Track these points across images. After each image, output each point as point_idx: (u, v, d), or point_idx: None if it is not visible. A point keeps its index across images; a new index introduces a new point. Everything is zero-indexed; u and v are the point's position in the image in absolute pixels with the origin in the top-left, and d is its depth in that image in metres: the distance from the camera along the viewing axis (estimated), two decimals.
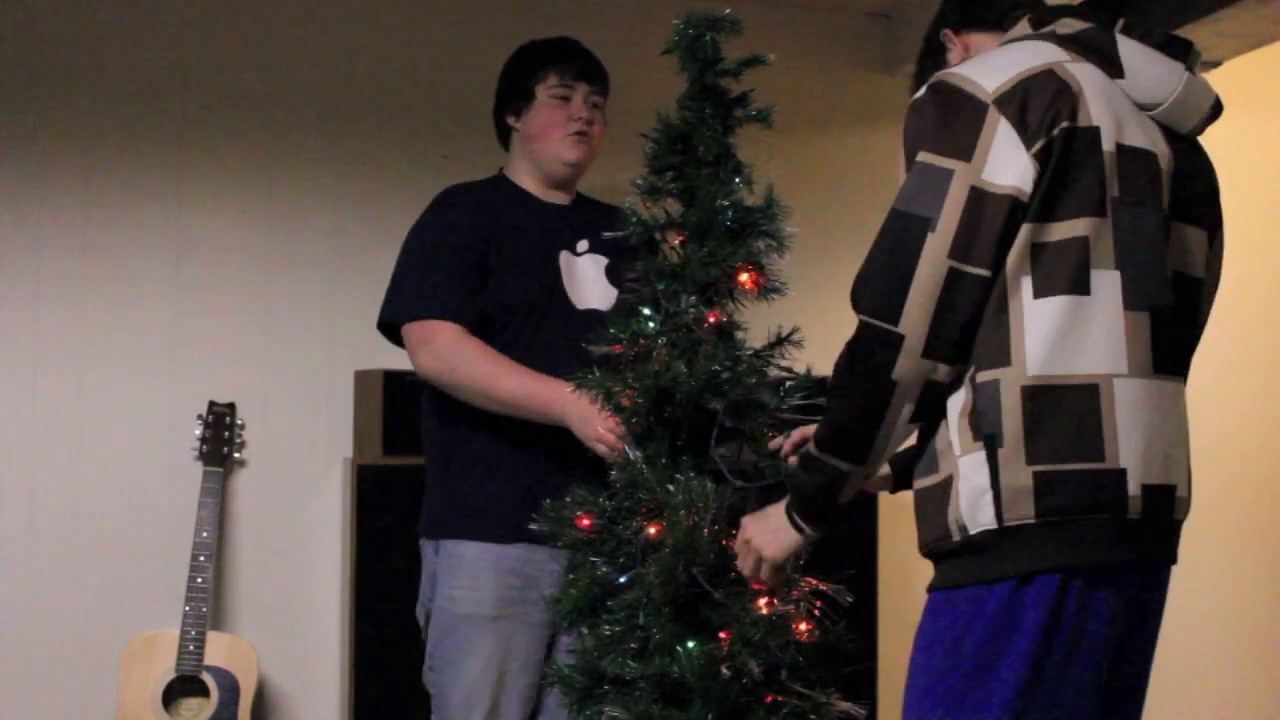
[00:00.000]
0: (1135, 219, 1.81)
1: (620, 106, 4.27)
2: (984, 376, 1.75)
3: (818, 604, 2.14)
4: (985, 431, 1.73)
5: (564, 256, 2.87)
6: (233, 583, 4.06)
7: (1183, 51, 1.98)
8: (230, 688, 3.74)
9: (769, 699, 2.11)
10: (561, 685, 2.23)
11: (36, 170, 3.99)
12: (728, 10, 2.18)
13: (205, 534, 3.82)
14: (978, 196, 1.73)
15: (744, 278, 2.13)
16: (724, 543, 2.10)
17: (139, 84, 4.08)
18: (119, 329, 4.02)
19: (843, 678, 2.32)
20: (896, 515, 4.41)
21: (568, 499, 2.28)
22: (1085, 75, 1.84)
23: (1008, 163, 1.74)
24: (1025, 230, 1.75)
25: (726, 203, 2.13)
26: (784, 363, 2.26)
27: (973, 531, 1.72)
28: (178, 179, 4.10)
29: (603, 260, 2.82)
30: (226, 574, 4.05)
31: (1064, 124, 1.77)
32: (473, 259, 2.82)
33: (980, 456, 1.73)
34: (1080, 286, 1.75)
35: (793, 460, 2.10)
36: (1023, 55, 1.84)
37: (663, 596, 2.06)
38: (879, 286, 1.76)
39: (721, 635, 2.07)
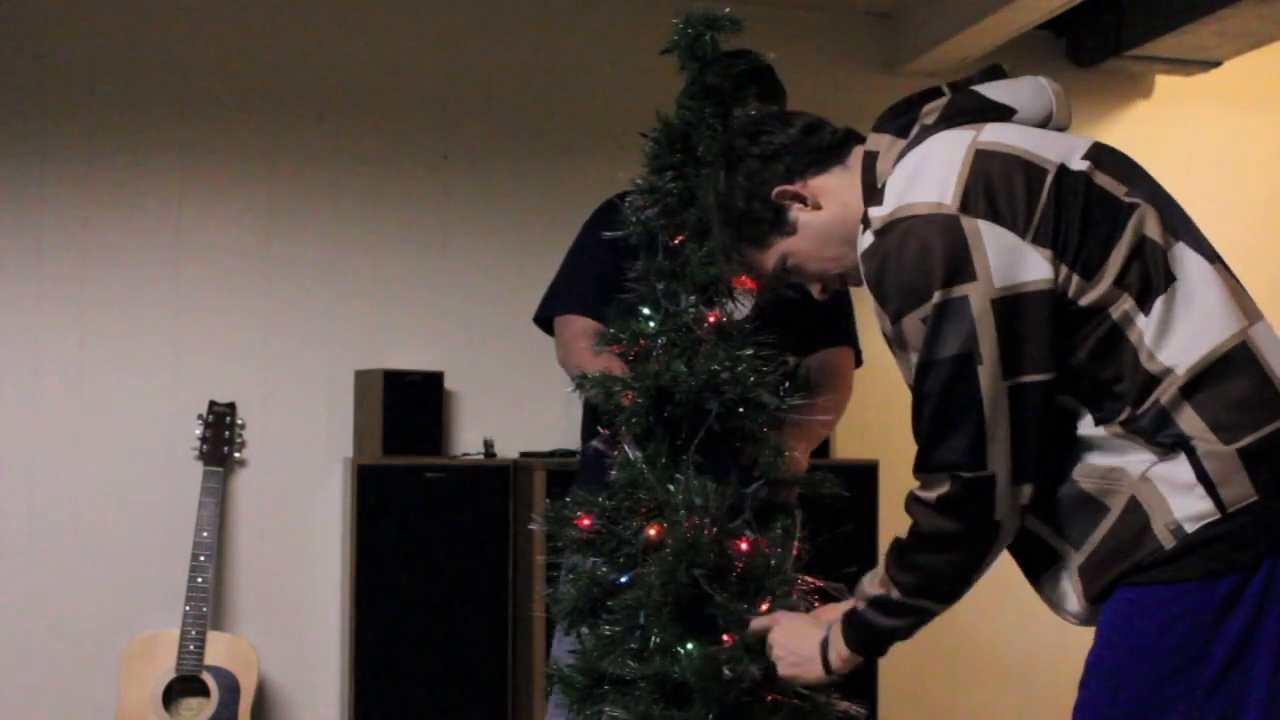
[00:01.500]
0: (1152, 196, 1.81)
1: (620, 106, 4.28)
2: (1144, 409, 1.70)
3: (817, 603, 2.14)
4: (1169, 441, 1.69)
5: None
6: (233, 583, 4.06)
7: (1004, 71, 1.98)
8: (230, 687, 3.74)
9: (769, 699, 2.11)
10: (561, 685, 2.22)
11: (36, 170, 3.99)
12: (727, 9, 2.18)
13: (205, 534, 3.82)
14: (1005, 306, 1.69)
15: (744, 278, 2.13)
16: (724, 543, 2.10)
17: (139, 84, 4.08)
18: (119, 329, 4.02)
19: (843, 677, 2.32)
20: (896, 515, 4.41)
21: (567, 499, 2.28)
22: (1000, 134, 1.79)
23: (1015, 260, 1.69)
24: (1096, 283, 1.71)
25: None
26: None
27: (1191, 529, 1.67)
28: (178, 179, 4.10)
29: None
30: (226, 574, 4.05)
31: (1040, 192, 1.72)
32: (613, 263, 2.79)
33: (1176, 461, 1.69)
34: (1169, 277, 1.73)
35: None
36: (939, 155, 1.78)
37: (663, 597, 2.06)
38: (952, 438, 1.73)
39: (725, 638, 2.07)
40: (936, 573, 1.82)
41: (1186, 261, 1.75)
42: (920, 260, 1.72)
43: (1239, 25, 4.33)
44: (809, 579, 2.17)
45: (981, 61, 4.60)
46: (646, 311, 2.18)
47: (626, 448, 2.18)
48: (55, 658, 3.91)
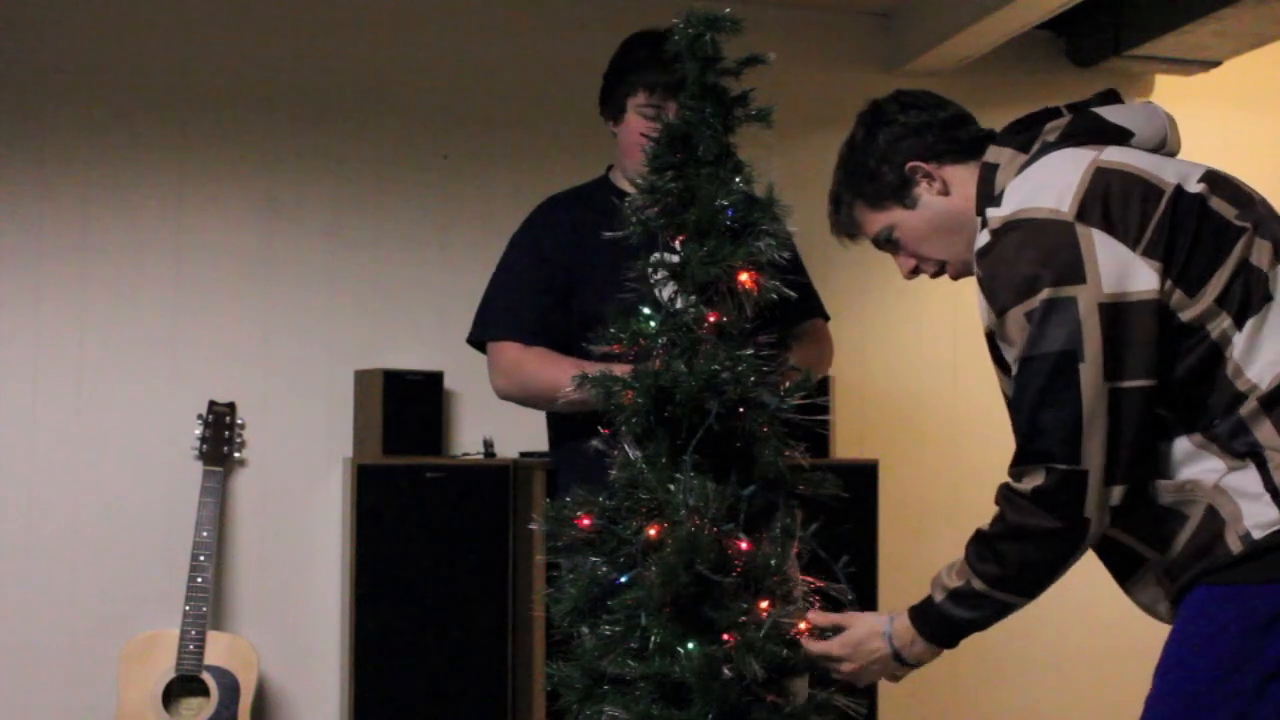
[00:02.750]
0: (1263, 221, 1.85)
1: None
2: (1227, 421, 1.75)
3: (817, 602, 2.14)
4: (1242, 450, 1.74)
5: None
6: (233, 582, 4.06)
7: (1120, 96, 2.05)
8: (230, 687, 3.74)
9: (769, 699, 2.11)
10: (561, 685, 2.22)
11: (36, 170, 3.99)
12: (728, 10, 2.18)
13: (205, 533, 3.82)
14: (1112, 311, 1.74)
15: (744, 277, 2.13)
16: (724, 543, 2.10)
17: (139, 84, 4.08)
18: (119, 329, 4.02)
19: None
20: (897, 515, 4.42)
21: (567, 498, 2.28)
22: (1121, 154, 1.87)
23: (1125, 270, 1.75)
24: (1198, 300, 1.77)
25: (726, 202, 2.13)
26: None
27: (1258, 536, 1.72)
28: (178, 179, 4.10)
29: None
30: (226, 574, 4.05)
31: (1154, 210, 1.78)
32: (553, 276, 2.81)
33: (1245, 471, 1.74)
34: (1266, 297, 1.78)
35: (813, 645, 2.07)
36: (1060, 167, 1.85)
37: (664, 597, 2.06)
38: (1051, 431, 1.77)
39: (726, 638, 2.07)
40: (1023, 564, 1.85)
41: None
42: (1032, 258, 1.78)
43: (1239, 25, 4.34)
44: (809, 578, 2.17)
45: (981, 61, 4.60)
46: (646, 311, 2.18)
47: (626, 448, 2.18)
48: (55, 658, 3.91)
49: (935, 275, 2.12)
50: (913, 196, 2.04)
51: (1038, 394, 1.78)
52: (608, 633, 2.13)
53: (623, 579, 2.14)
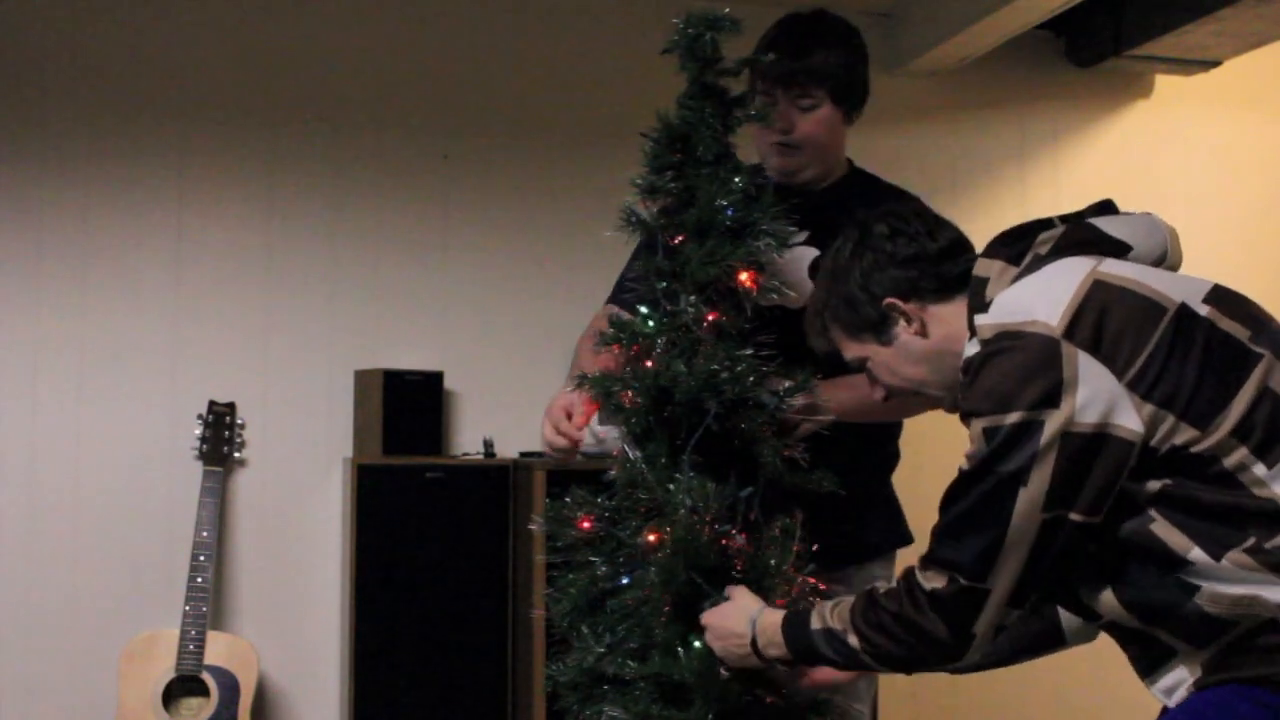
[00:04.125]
0: (1276, 342, 1.76)
1: (620, 106, 4.28)
2: (1275, 542, 1.67)
3: (817, 603, 2.14)
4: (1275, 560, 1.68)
5: None
6: (233, 582, 4.06)
7: (1115, 205, 1.95)
8: (230, 687, 3.74)
9: (769, 699, 2.11)
10: (561, 686, 2.22)
11: (37, 170, 3.99)
12: (727, 10, 2.17)
13: (205, 534, 3.82)
14: (1079, 441, 1.67)
15: (744, 277, 2.13)
16: (724, 543, 2.10)
17: (139, 84, 4.08)
18: (119, 329, 4.02)
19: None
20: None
21: (567, 499, 2.28)
22: (1121, 267, 1.78)
23: (1106, 403, 1.67)
24: (1211, 432, 1.68)
25: (726, 202, 2.13)
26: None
27: None
28: (178, 180, 4.10)
29: (810, 252, 2.57)
30: (226, 574, 4.05)
31: (1152, 334, 1.69)
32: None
33: None
34: None
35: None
36: (1056, 277, 1.76)
37: (663, 596, 2.06)
38: (968, 547, 1.73)
39: None
40: (899, 650, 1.83)
41: None
42: (1012, 377, 1.70)
43: (1239, 25, 4.34)
44: (809, 578, 2.17)
45: (981, 61, 4.60)
46: (645, 311, 2.18)
47: (626, 448, 2.18)
48: (55, 658, 3.91)
49: (906, 399, 2.05)
50: (890, 334, 1.94)
51: (968, 508, 1.74)
52: (608, 635, 2.13)
53: (624, 581, 2.14)
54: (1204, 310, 1.75)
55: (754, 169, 2.51)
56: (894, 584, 1.84)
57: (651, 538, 2.10)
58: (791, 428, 2.22)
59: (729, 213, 2.13)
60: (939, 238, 1.94)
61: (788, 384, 2.17)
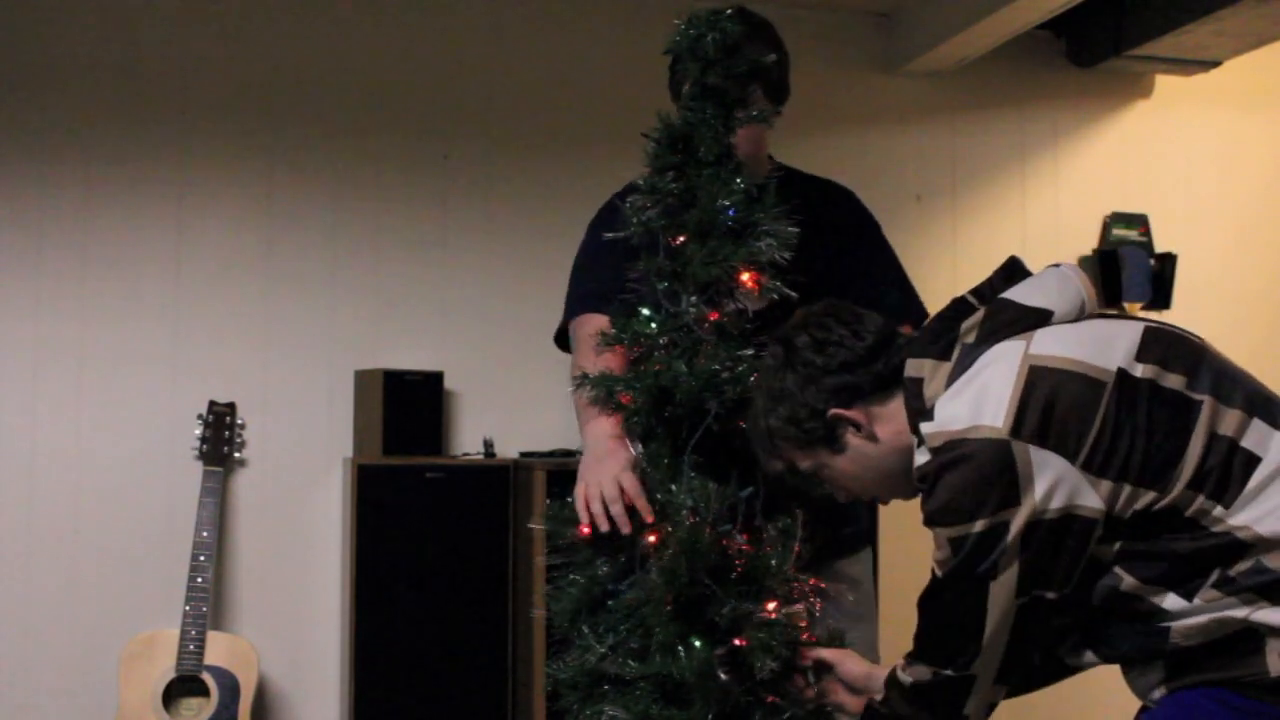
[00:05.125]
0: (1218, 381, 1.77)
1: (621, 106, 4.28)
2: (1238, 569, 1.70)
3: (818, 605, 2.14)
4: (1274, 594, 1.70)
5: None
6: (233, 583, 4.06)
7: (1022, 264, 1.94)
8: (230, 687, 3.74)
9: (770, 700, 2.11)
10: (561, 686, 2.22)
11: (37, 171, 3.99)
12: (728, 10, 2.17)
13: (205, 533, 3.82)
14: (1045, 529, 1.71)
15: (745, 277, 2.12)
16: (725, 543, 2.10)
17: (139, 84, 4.08)
18: (119, 329, 4.02)
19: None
20: (895, 514, 4.41)
21: (568, 499, 2.28)
22: (1051, 344, 1.78)
23: (1066, 487, 1.70)
24: (1168, 490, 1.71)
25: (728, 202, 2.13)
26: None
27: None
28: (178, 180, 4.10)
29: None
30: (226, 574, 4.05)
31: (1094, 414, 1.71)
32: (619, 264, 2.71)
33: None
34: (1252, 461, 1.72)
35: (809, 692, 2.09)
36: (992, 374, 1.77)
37: (664, 596, 2.06)
38: (948, 645, 1.78)
39: (738, 642, 2.06)
40: None
41: (1271, 440, 1.74)
42: (970, 488, 1.73)
43: (1239, 25, 4.34)
44: (810, 579, 2.17)
45: (981, 61, 4.60)
46: (646, 311, 2.18)
47: (630, 448, 2.18)
48: (55, 658, 3.91)
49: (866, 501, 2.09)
50: (842, 443, 1.93)
51: (945, 611, 1.78)
52: (609, 636, 2.13)
53: (624, 585, 2.14)
54: (1139, 370, 1.75)
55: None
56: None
57: (652, 538, 2.10)
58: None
59: (730, 213, 2.13)
60: (864, 335, 1.91)
61: None
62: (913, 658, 1.84)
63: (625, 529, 2.13)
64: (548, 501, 2.37)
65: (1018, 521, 1.70)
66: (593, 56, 4.49)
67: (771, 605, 2.07)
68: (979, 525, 1.72)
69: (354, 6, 4.28)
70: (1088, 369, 1.74)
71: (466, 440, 4.25)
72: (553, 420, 4.27)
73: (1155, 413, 1.73)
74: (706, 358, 2.11)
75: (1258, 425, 1.74)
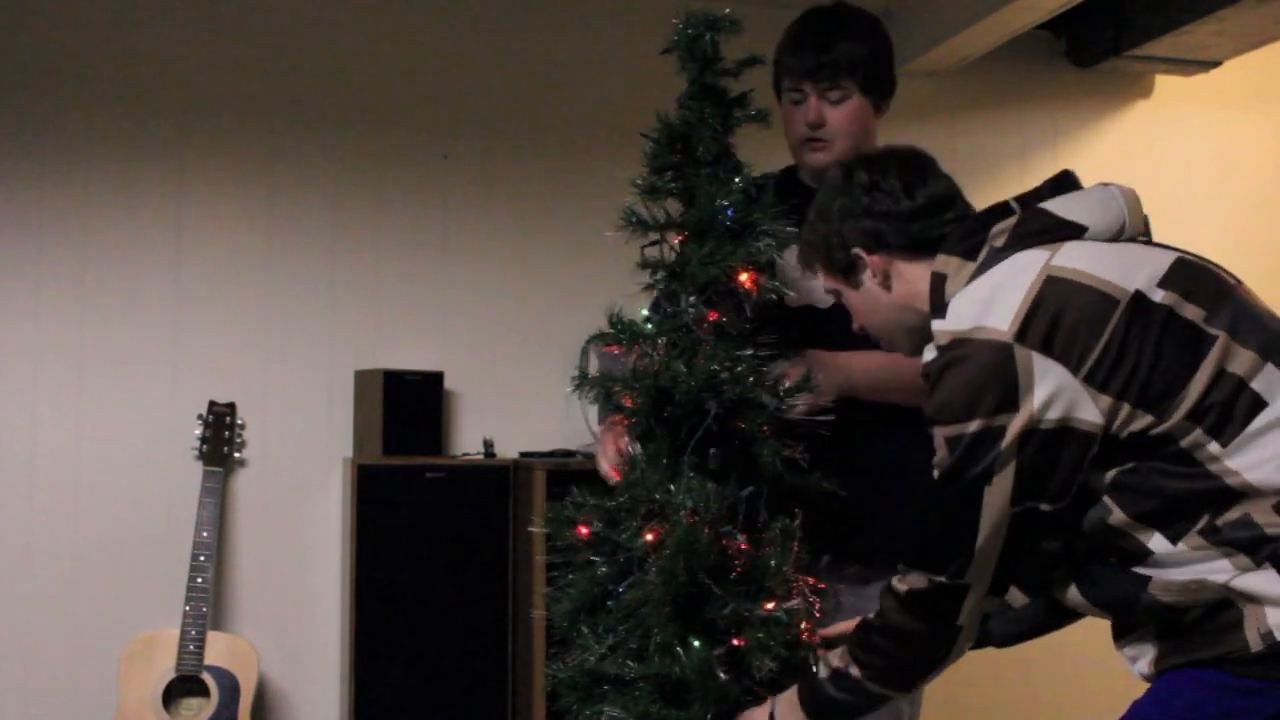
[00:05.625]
0: (1237, 319, 1.76)
1: (620, 106, 4.28)
2: (1226, 519, 1.70)
3: (818, 604, 2.14)
4: (1264, 555, 1.68)
5: (794, 251, 2.63)
6: (233, 583, 4.06)
7: (1075, 178, 1.94)
8: (230, 687, 3.74)
9: (770, 700, 2.11)
10: (561, 686, 2.22)
11: (37, 171, 3.99)
12: (727, 10, 2.17)
13: (205, 534, 3.82)
14: (1042, 437, 1.71)
15: (744, 278, 2.12)
16: (724, 543, 2.10)
17: (139, 85, 4.08)
18: (119, 329, 4.02)
19: None
20: None
21: (568, 500, 2.28)
22: (1075, 257, 1.78)
23: (1065, 398, 1.70)
24: (1166, 417, 1.70)
25: (726, 202, 2.13)
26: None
27: None
28: (178, 180, 4.10)
29: None
30: (226, 574, 4.05)
31: (1104, 328, 1.70)
32: None
33: (1264, 573, 1.68)
34: (1258, 404, 1.71)
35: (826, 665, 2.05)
36: (1008, 279, 1.78)
37: (664, 596, 2.06)
38: (941, 550, 1.78)
39: (736, 642, 2.06)
40: (894, 661, 1.87)
41: (1275, 389, 1.72)
42: (968, 387, 1.74)
43: (1239, 25, 4.34)
44: (809, 579, 2.17)
45: (981, 61, 4.60)
46: (645, 312, 2.18)
47: (629, 447, 2.18)
48: (55, 658, 3.91)
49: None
50: (858, 279, 2.00)
51: (939, 514, 1.79)
52: (609, 636, 2.13)
53: (623, 588, 2.14)
54: (1159, 296, 1.75)
55: (776, 177, 2.50)
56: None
57: (650, 537, 2.10)
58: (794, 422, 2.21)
59: (729, 213, 2.13)
60: (917, 196, 1.96)
61: (788, 384, 2.17)
62: (907, 566, 1.83)
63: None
64: (548, 502, 2.37)
65: (1014, 427, 1.71)
66: (592, 56, 4.49)
67: (770, 605, 2.07)
68: (974, 425, 1.73)
69: (354, 6, 4.28)
70: (1105, 285, 1.74)
71: (466, 440, 4.25)
72: (553, 420, 4.28)
73: (1166, 339, 1.72)
74: (706, 358, 2.11)
75: (1271, 371, 1.72)
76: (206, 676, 3.73)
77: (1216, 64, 4.81)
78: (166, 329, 4.07)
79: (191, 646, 3.72)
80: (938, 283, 1.89)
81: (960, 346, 1.76)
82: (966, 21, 4.26)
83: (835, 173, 2.05)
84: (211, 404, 3.99)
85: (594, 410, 4.19)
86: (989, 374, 1.72)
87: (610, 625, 2.15)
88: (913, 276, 1.95)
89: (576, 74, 4.47)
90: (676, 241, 2.18)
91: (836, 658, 1.94)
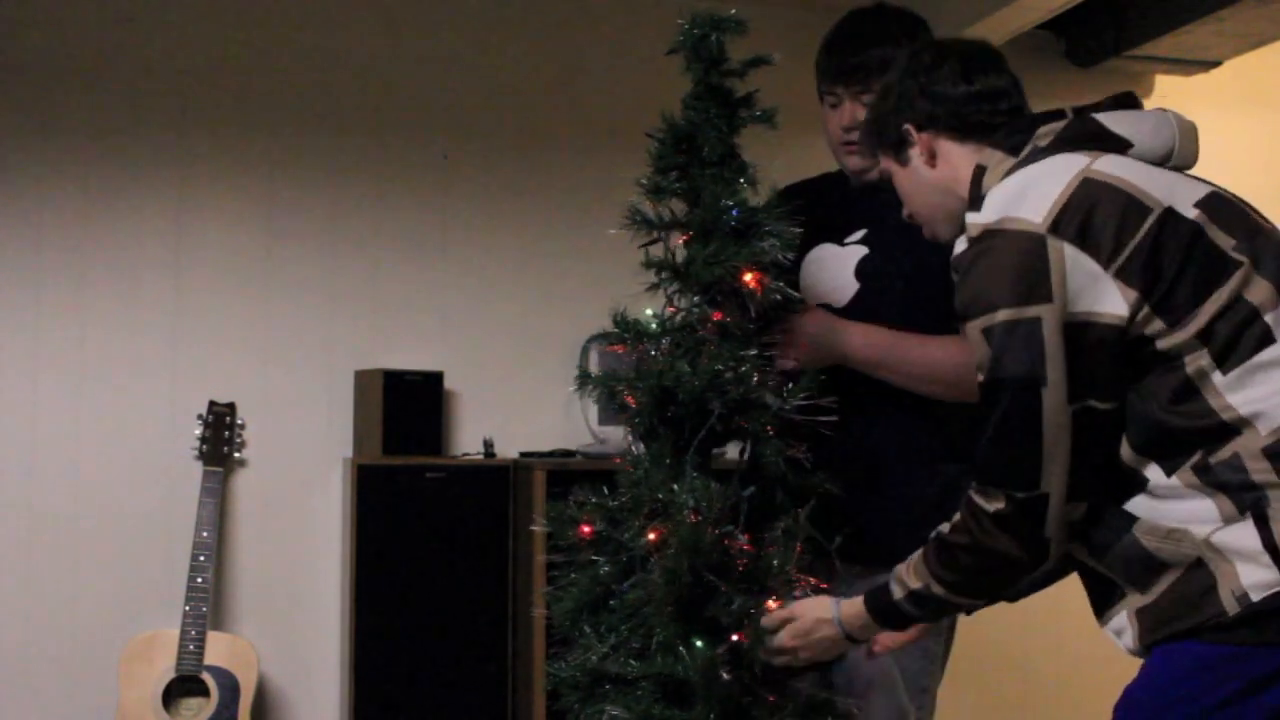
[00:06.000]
0: (1264, 253, 1.77)
1: (623, 106, 4.28)
2: (1218, 457, 1.70)
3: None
4: (1240, 499, 1.68)
5: (822, 249, 2.60)
6: (233, 583, 4.06)
7: (1137, 100, 1.97)
8: (230, 688, 3.73)
9: (770, 699, 2.11)
10: (562, 685, 2.22)
11: (36, 170, 3.99)
12: (733, 10, 2.18)
13: (205, 534, 3.81)
14: (1077, 331, 1.71)
15: (748, 278, 2.12)
16: (726, 542, 2.10)
17: (139, 86, 4.07)
18: (119, 329, 4.02)
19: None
20: None
21: (570, 500, 2.28)
22: (1114, 165, 1.79)
23: (1094, 290, 1.71)
24: (1177, 330, 1.71)
25: (731, 202, 2.13)
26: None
27: (1256, 598, 1.66)
28: (178, 180, 4.10)
29: (860, 251, 2.55)
30: (226, 574, 4.04)
31: (1137, 229, 1.71)
32: None
33: (1243, 526, 1.68)
34: (1266, 339, 1.71)
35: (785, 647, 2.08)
36: (1045, 175, 1.79)
37: (666, 596, 2.06)
38: (1011, 461, 1.75)
39: (736, 637, 2.06)
40: (983, 577, 1.86)
41: None
42: (997, 273, 1.74)
43: (1239, 25, 4.34)
44: (810, 578, 2.17)
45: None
46: (649, 311, 2.19)
47: (632, 446, 2.19)
48: (55, 658, 3.90)
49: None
50: (905, 155, 2.02)
51: (999, 422, 1.76)
52: (611, 635, 2.13)
53: (625, 587, 2.14)
54: (1193, 214, 1.76)
55: (788, 189, 2.50)
56: (956, 519, 1.85)
57: (653, 537, 2.10)
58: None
59: (734, 213, 2.13)
60: (975, 82, 1.98)
61: (791, 385, 2.17)
62: (982, 483, 1.81)
63: None
64: (549, 503, 2.37)
65: (1051, 318, 1.70)
66: (593, 56, 4.49)
67: (772, 604, 2.07)
68: (1003, 314, 1.72)
69: (353, 7, 4.28)
70: (1140, 194, 1.75)
71: (466, 440, 4.25)
72: (553, 420, 4.28)
73: (1192, 255, 1.73)
74: (709, 358, 2.11)
75: None
76: (206, 676, 3.73)
77: (1216, 64, 4.81)
78: (166, 329, 4.06)
79: (191, 646, 3.72)
80: (977, 174, 1.91)
81: (992, 237, 1.76)
82: (966, 22, 4.26)
83: (903, 55, 2.08)
84: (211, 404, 3.99)
85: (594, 410, 4.20)
86: (1021, 263, 1.72)
87: (612, 624, 2.15)
88: (956, 159, 1.97)
89: (578, 74, 4.47)
90: (680, 241, 2.18)
91: (911, 578, 1.91)
